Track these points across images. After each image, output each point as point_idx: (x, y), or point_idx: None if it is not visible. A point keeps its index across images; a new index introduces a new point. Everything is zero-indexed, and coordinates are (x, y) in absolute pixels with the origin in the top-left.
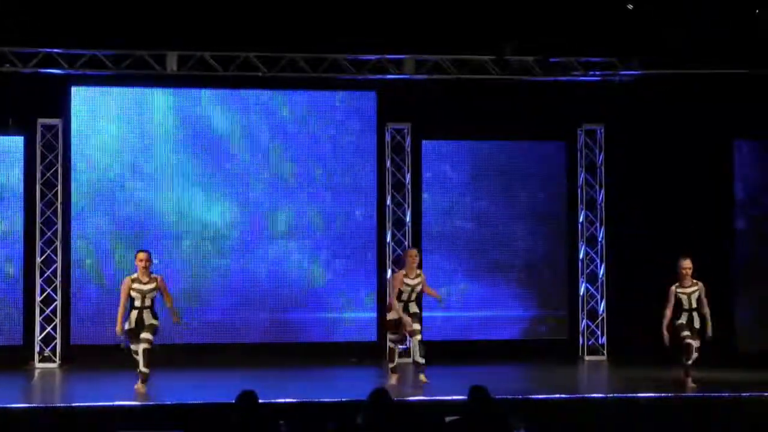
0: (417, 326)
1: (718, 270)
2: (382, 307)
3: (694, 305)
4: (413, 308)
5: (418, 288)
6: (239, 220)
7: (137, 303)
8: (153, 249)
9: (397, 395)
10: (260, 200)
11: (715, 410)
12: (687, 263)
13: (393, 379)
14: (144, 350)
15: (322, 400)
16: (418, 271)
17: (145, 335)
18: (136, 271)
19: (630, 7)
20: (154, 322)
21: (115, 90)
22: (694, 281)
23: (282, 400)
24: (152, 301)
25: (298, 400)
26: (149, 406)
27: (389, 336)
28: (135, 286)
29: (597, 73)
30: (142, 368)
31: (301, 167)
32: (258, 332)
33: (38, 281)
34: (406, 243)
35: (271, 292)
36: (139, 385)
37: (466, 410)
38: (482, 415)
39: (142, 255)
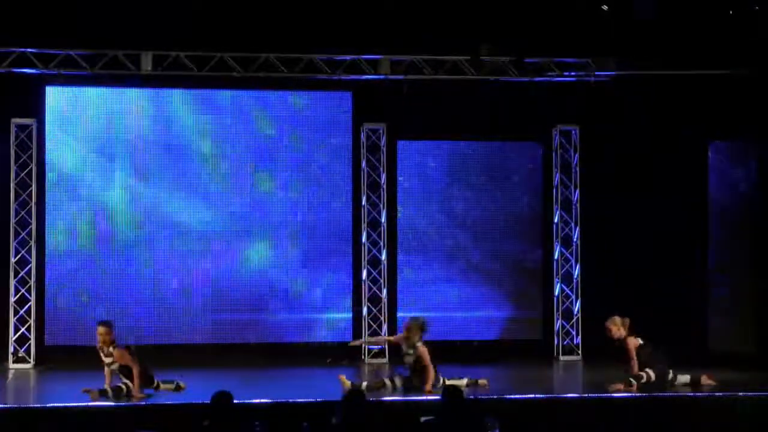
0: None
1: (692, 270)
2: (357, 307)
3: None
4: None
5: (411, 360)
6: (214, 220)
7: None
8: (128, 250)
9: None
10: (235, 200)
11: (688, 410)
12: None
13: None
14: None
15: (297, 400)
16: (417, 345)
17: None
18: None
19: (605, 8)
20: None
21: (90, 90)
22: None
23: (257, 401)
24: (122, 374)
25: (273, 400)
26: (123, 407)
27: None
28: (101, 355)
29: (572, 73)
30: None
31: (276, 167)
32: (233, 333)
33: (12, 282)
34: (382, 243)
35: (246, 293)
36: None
37: (441, 410)
38: (457, 416)
39: (99, 329)
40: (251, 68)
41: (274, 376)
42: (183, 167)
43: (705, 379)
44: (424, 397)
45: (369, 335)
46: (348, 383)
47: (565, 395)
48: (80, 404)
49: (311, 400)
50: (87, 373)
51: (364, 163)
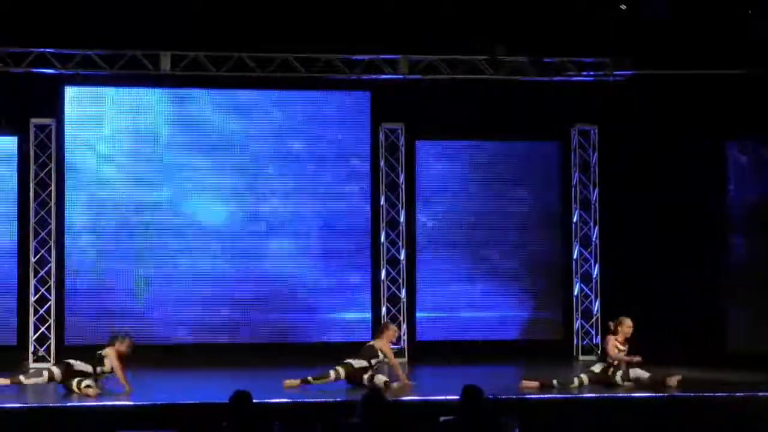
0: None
1: (711, 270)
2: (376, 307)
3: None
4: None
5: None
6: (232, 220)
7: None
8: (147, 250)
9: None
10: (253, 200)
11: (708, 410)
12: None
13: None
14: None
15: (316, 400)
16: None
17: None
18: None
19: (623, 7)
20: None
21: (109, 90)
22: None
23: (276, 401)
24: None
25: (292, 400)
26: (143, 406)
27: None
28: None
29: (590, 73)
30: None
31: (294, 167)
32: (252, 332)
33: (32, 281)
34: (401, 243)
35: (265, 293)
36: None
37: (460, 410)
38: (476, 416)
39: (129, 341)
40: (269, 68)
41: (292, 375)
42: (202, 167)
43: (671, 380)
44: (444, 397)
45: None
46: (296, 383)
47: (585, 395)
48: (100, 403)
49: (330, 400)
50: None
51: (382, 163)
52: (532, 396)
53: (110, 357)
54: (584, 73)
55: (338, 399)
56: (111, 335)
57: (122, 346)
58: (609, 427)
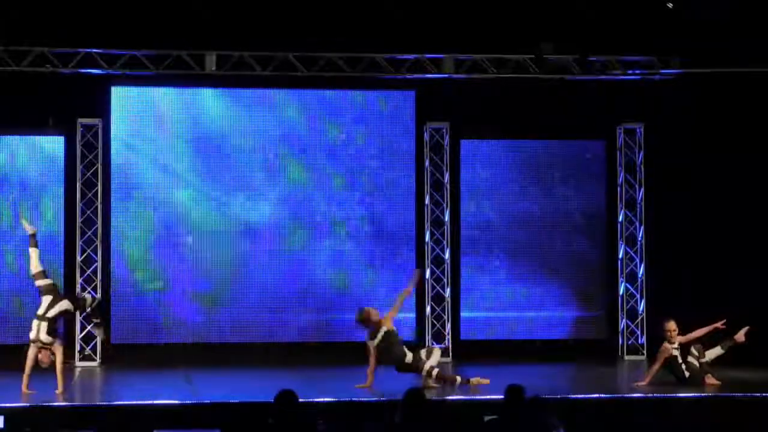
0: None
1: (758, 268)
2: (421, 306)
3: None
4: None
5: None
6: (277, 220)
7: None
8: (192, 250)
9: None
10: (298, 200)
11: (754, 410)
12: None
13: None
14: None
15: (360, 399)
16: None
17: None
18: None
19: (670, 5)
20: None
21: (155, 90)
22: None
23: (320, 400)
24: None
25: (337, 399)
26: (188, 405)
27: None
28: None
29: (636, 71)
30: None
31: (339, 167)
32: (297, 332)
33: (78, 280)
34: (445, 242)
35: (310, 292)
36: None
37: (504, 410)
38: (520, 415)
39: None
40: (315, 68)
41: (337, 375)
42: (247, 166)
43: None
44: (486, 396)
45: (433, 334)
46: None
47: (630, 395)
48: (145, 402)
49: (374, 399)
50: (152, 371)
51: (427, 163)
52: (577, 396)
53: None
54: (630, 71)
55: (382, 399)
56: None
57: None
58: (654, 427)
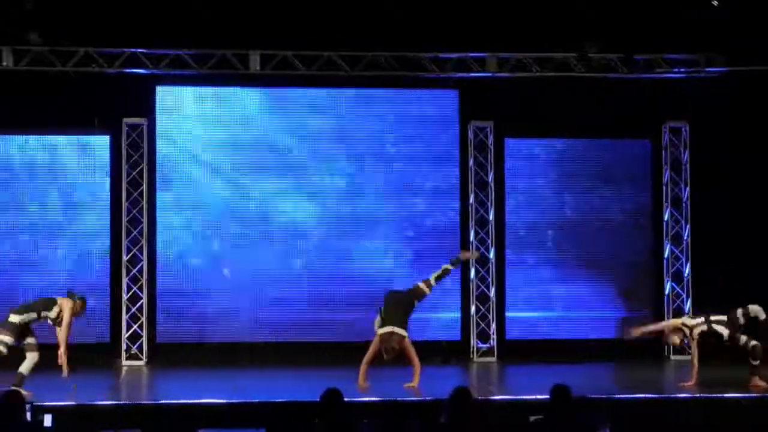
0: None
1: None
2: (466, 306)
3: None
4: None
5: None
6: (322, 218)
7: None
8: (236, 248)
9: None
10: (343, 199)
11: None
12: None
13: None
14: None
15: (405, 399)
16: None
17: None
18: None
19: (715, 3)
20: None
21: (199, 89)
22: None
23: (365, 399)
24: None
25: (382, 399)
26: (234, 404)
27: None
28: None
29: (682, 70)
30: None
31: (383, 166)
32: (342, 331)
33: (124, 279)
34: (489, 241)
35: (355, 291)
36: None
37: (550, 410)
38: (566, 415)
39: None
40: (358, 67)
41: (382, 374)
42: (291, 166)
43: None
44: (533, 396)
45: (477, 334)
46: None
47: (677, 395)
48: (190, 401)
49: (419, 398)
50: (197, 370)
51: (471, 161)
52: (623, 396)
53: (65, 307)
54: (676, 69)
55: (427, 398)
56: (69, 293)
57: (77, 306)
58: (702, 428)
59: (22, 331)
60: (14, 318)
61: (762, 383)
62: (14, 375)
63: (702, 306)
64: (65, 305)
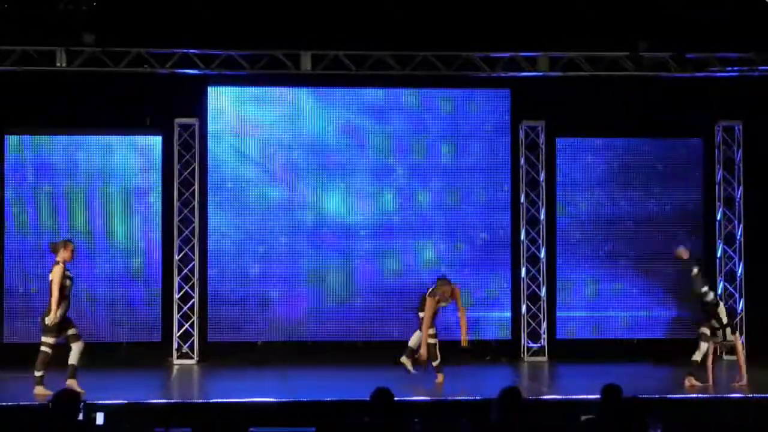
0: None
1: None
2: (517, 305)
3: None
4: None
5: None
6: (373, 218)
7: (67, 293)
8: (288, 248)
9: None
10: (393, 198)
11: None
12: None
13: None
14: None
15: (455, 398)
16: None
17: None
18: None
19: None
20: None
21: (250, 89)
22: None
23: (416, 398)
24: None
25: (433, 398)
26: (284, 403)
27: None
28: (68, 273)
29: (735, 68)
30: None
31: (435, 166)
32: (393, 330)
33: (176, 279)
34: (540, 241)
35: (406, 291)
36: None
37: (601, 409)
38: (618, 415)
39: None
40: (409, 66)
41: (432, 374)
42: (342, 165)
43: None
44: (584, 396)
45: (528, 333)
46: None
47: (729, 395)
48: (241, 400)
49: (470, 398)
50: (248, 369)
51: (522, 161)
52: (675, 396)
53: (55, 273)
54: (728, 68)
55: (477, 397)
56: (51, 245)
57: (66, 252)
58: (754, 428)
59: (60, 325)
60: (47, 319)
61: (697, 382)
62: (66, 370)
63: (754, 306)
64: (55, 272)
